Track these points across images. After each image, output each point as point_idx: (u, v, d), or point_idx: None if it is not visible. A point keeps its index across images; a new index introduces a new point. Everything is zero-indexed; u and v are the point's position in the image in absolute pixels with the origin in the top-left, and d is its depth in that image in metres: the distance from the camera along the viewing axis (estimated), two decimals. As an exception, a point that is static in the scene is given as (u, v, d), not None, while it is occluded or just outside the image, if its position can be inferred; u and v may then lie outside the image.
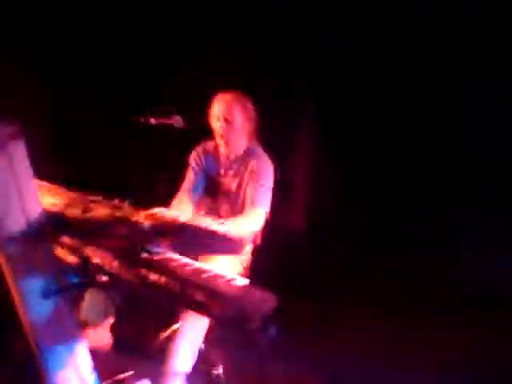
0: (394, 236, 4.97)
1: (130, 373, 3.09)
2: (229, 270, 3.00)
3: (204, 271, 2.27)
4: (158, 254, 2.12)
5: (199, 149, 3.28)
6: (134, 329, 3.51)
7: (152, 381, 2.86)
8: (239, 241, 2.37)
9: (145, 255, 2.16)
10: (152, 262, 2.13)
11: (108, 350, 3.03)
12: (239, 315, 1.80)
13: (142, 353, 3.36)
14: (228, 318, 1.82)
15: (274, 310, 2.07)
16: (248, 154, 3.15)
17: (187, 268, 2.23)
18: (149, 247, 2.16)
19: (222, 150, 3.17)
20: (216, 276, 2.21)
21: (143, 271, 2.14)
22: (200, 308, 1.93)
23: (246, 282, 2.26)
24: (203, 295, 1.91)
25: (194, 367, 2.87)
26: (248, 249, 3.21)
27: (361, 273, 4.89)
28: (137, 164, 4.64)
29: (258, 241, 3.32)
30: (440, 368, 3.52)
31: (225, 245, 2.27)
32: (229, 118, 3.04)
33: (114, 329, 3.04)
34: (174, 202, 3.16)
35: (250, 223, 2.93)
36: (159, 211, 2.72)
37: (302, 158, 5.09)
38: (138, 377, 3.02)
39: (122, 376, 3.07)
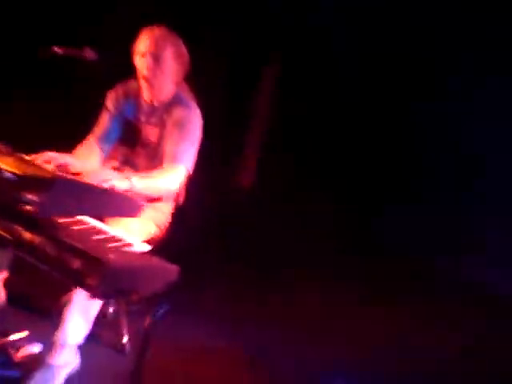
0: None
1: (24, 333, 2.75)
2: (140, 230, 2.70)
3: (97, 233, 1.94)
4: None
5: (118, 90, 2.88)
6: (34, 286, 3.14)
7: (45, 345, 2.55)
8: (136, 202, 2.04)
9: (26, 208, 1.81)
10: (32, 219, 1.78)
11: (1, 306, 2.68)
12: (112, 289, 1.51)
13: (40, 313, 3.03)
14: (101, 291, 1.52)
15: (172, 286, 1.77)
16: (175, 101, 2.77)
17: (76, 228, 1.90)
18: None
19: (145, 93, 2.79)
20: (108, 240, 1.89)
21: (18, 228, 1.79)
22: (75, 277, 1.60)
23: (144, 248, 1.96)
24: (80, 262, 1.58)
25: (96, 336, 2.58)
26: (166, 209, 2.89)
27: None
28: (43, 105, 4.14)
29: (181, 201, 2.99)
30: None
31: (118, 206, 1.94)
32: (157, 53, 2.64)
33: (8, 284, 2.69)
34: (78, 149, 2.79)
35: (166, 180, 2.58)
36: (48, 157, 2.37)
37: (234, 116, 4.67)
38: (32, 339, 2.72)
39: (13, 336, 2.73)
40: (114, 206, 1.97)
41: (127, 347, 2.95)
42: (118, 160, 2.84)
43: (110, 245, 1.81)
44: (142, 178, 2.46)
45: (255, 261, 4.29)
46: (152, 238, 2.78)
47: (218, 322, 3.45)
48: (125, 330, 2.95)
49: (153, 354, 2.09)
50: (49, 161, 2.34)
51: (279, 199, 4.73)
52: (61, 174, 1.89)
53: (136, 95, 2.83)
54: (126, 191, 2.25)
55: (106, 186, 2.12)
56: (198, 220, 3.83)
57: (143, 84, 2.73)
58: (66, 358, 2.44)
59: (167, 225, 2.91)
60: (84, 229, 1.88)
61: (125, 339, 2.94)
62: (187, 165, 2.65)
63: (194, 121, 2.72)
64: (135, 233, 2.58)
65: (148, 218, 2.75)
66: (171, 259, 1.86)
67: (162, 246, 2.88)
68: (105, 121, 2.85)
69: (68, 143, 2.77)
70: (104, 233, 1.94)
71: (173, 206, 2.94)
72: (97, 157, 2.80)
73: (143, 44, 2.66)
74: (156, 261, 1.82)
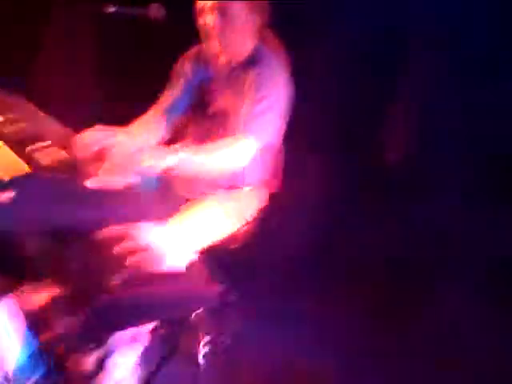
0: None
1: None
2: (212, 228, 2.13)
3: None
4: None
5: (191, 54, 2.32)
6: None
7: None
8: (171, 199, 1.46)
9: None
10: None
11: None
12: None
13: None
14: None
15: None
16: (253, 58, 2.15)
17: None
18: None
19: (218, 55, 2.19)
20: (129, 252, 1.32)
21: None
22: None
23: (184, 263, 1.38)
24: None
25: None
26: (253, 198, 2.28)
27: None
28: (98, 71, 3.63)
29: (275, 187, 2.37)
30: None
31: (132, 209, 1.37)
32: (224, 6, 2.04)
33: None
34: (138, 122, 2.27)
35: (226, 156, 1.97)
36: (90, 138, 1.86)
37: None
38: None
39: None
40: (125, 210, 1.40)
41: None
42: (190, 137, 2.28)
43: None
44: (195, 152, 1.90)
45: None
46: (232, 237, 2.20)
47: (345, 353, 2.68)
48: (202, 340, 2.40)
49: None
50: (89, 144, 1.84)
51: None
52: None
53: (210, 59, 2.25)
54: (170, 169, 1.77)
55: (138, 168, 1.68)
56: (302, 215, 3.14)
57: (212, 44, 2.13)
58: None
59: (254, 220, 2.30)
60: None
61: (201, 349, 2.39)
62: (261, 136, 2.01)
63: (275, 80, 2.07)
64: (203, 232, 2.06)
65: (225, 210, 2.18)
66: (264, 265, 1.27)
67: (248, 248, 2.31)
68: (173, 89, 2.31)
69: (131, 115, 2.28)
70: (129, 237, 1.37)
71: (263, 195, 2.33)
72: (158, 131, 2.27)
73: None
74: (185, 282, 1.22)
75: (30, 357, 1.30)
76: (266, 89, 2.04)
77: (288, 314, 2.78)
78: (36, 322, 1.52)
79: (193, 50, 2.31)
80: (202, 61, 2.26)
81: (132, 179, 1.78)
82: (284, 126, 2.17)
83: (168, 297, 1.22)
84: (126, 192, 1.56)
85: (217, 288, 1.27)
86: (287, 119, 2.16)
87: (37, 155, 1.73)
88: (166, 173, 1.79)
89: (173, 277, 1.26)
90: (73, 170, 1.57)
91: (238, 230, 2.23)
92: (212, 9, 2.05)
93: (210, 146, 2.01)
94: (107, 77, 3.37)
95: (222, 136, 2.13)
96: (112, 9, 2.08)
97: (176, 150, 1.81)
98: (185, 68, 2.29)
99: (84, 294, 1.20)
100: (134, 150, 1.74)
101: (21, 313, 1.48)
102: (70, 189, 1.31)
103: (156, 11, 2.13)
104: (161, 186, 2.11)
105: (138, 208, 1.44)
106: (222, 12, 2.04)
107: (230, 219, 2.20)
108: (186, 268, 1.34)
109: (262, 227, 2.34)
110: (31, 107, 2.30)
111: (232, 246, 2.25)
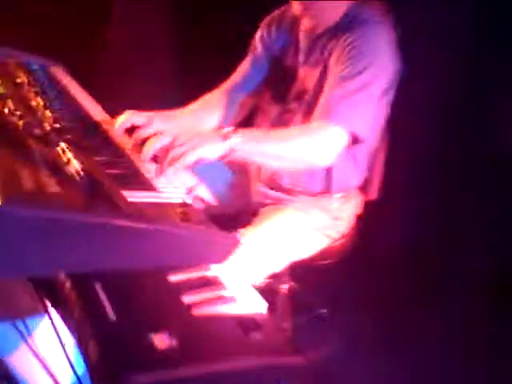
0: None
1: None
2: (296, 247, 1.68)
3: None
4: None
5: (272, 18, 1.83)
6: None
7: None
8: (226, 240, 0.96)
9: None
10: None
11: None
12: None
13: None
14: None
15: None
16: (346, 22, 1.62)
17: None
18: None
19: (303, 19, 1.70)
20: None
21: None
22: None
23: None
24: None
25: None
26: (345, 207, 1.77)
27: None
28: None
29: (373, 194, 1.86)
30: None
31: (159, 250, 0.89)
32: None
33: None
34: (198, 102, 1.83)
35: (302, 147, 1.47)
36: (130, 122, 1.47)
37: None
38: None
39: None
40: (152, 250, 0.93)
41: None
42: (266, 122, 1.79)
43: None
44: (263, 137, 1.44)
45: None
46: (322, 253, 1.75)
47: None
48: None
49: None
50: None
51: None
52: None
53: (293, 24, 1.75)
54: (223, 157, 1.33)
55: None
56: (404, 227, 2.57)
57: (296, 6, 1.64)
58: None
59: (348, 232, 1.80)
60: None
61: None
62: (350, 124, 1.49)
63: (375, 52, 1.54)
64: (284, 249, 1.64)
65: (311, 221, 1.70)
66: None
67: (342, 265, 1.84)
68: (248, 62, 1.84)
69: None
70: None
71: (358, 203, 1.83)
72: (218, 112, 1.82)
73: None
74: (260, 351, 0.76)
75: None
76: (360, 62, 1.50)
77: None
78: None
79: (277, 12, 1.82)
80: (286, 26, 1.77)
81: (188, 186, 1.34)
82: (385, 116, 1.65)
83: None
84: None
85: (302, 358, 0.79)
86: (389, 107, 1.64)
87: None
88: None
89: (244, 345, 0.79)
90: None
91: (330, 244, 1.75)
92: None
93: (282, 132, 1.52)
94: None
95: (302, 120, 1.65)
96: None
97: (233, 134, 1.34)
98: (264, 35, 1.81)
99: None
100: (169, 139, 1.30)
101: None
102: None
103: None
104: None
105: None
106: None
107: (318, 232, 1.71)
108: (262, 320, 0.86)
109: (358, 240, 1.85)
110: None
111: (323, 263, 1.80)
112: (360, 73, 1.50)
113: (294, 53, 1.72)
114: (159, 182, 1.30)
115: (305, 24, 1.70)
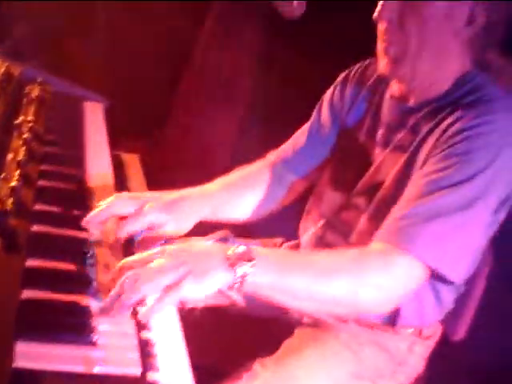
0: None
1: None
2: None
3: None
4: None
5: (345, 77, 1.37)
6: None
7: None
8: None
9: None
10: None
11: None
12: None
13: None
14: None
15: None
16: (455, 98, 1.13)
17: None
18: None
19: (393, 84, 1.23)
20: None
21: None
22: None
23: None
24: None
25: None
26: (419, 344, 1.26)
27: None
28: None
29: (460, 332, 1.33)
30: None
31: None
32: (396, 9, 1.10)
33: None
34: (227, 178, 1.35)
35: (360, 286, 0.97)
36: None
37: None
38: None
39: None
40: None
41: None
42: (322, 211, 1.31)
43: None
44: (280, 266, 0.94)
45: None
46: None
47: None
48: None
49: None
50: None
51: None
52: None
53: (376, 87, 1.28)
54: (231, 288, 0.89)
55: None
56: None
57: (384, 65, 1.17)
58: None
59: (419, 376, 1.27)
60: None
61: None
62: (435, 260, 1.00)
63: (495, 147, 1.03)
64: None
65: (357, 369, 1.19)
66: None
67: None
68: (306, 132, 1.39)
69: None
70: None
71: (430, 345, 1.30)
72: (263, 190, 1.37)
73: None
74: None
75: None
76: (469, 164, 1.02)
77: None
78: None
79: (357, 67, 1.36)
80: (365, 87, 1.31)
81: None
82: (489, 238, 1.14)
83: None
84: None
85: None
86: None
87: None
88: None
89: None
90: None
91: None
92: (379, 14, 1.11)
93: (324, 257, 1.02)
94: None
95: (367, 230, 1.15)
96: None
97: (245, 259, 0.89)
98: (334, 97, 1.36)
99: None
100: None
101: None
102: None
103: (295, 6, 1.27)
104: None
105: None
106: (393, 18, 1.09)
107: (368, 382, 1.21)
108: None
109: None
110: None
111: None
112: (466, 181, 1.01)
113: (372, 127, 1.25)
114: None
115: (393, 90, 1.23)
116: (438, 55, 1.12)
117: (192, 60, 2.52)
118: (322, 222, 1.29)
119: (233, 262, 0.88)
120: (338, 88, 1.35)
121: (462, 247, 1.03)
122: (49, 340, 0.78)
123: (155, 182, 1.78)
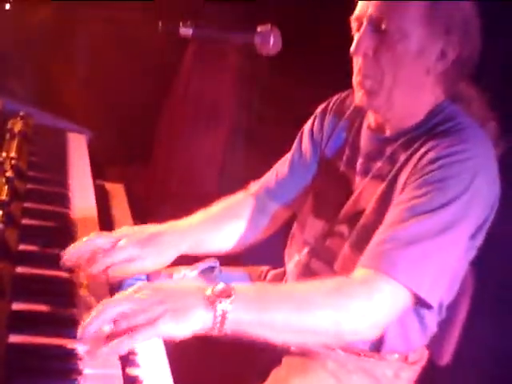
0: None
1: None
2: None
3: None
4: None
5: (325, 108, 1.39)
6: None
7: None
8: None
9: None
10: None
11: None
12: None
13: None
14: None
15: None
16: (430, 127, 1.16)
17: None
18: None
19: (369, 114, 1.26)
20: None
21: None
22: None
23: None
24: None
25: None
26: (406, 370, 1.27)
27: None
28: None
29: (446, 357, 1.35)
30: None
31: None
32: (389, 25, 1.11)
33: None
34: (216, 207, 1.37)
35: (342, 315, 0.99)
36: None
37: None
38: None
39: None
40: None
41: None
42: (306, 240, 1.32)
43: None
44: (260, 302, 0.95)
45: None
46: None
47: None
48: None
49: None
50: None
51: None
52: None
53: (354, 118, 1.30)
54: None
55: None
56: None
57: (360, 97, 1.20)
58: None
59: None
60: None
61: None
62: (416, 285, 1.02)
63: (469, 174, 1.06)
64: None
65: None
66: None
67: None
68: (288, 163, 1.41)
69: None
70: None
71: (419, 368, 1.31)
72: (246, 220, 1.38)
73: (359, 9, 1.16)
74: None
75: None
76: (444, 192, 1.05)
77: None
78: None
79: (335, 98, 1.39)
80: (344, 117, 1.33)
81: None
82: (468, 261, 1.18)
83: None
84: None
85: None
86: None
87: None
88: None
89: None
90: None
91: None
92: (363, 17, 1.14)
93: (303, 288, 1.03)
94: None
95: (350, 257, 1.16)
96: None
97: (224, 296, 0.90)
98: (314, 128, 1.38)
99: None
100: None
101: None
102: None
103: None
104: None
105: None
106: (376, 24, 1.12)
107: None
108: None
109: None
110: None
111: None
112: (441, 208, 1.04)
113: (352, 156, 1.27)
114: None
115: (370, 120, 1.25)
116: (412, 88, 1.15)
117: (175, 84, 2.53)
118: (306, 250, 1.30)
119: (212, 300, 0.89)
120: (318, 119, 1.37)
121: (439, 271, 1.05)
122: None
123: (142, 210, 1.79)
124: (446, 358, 1.35)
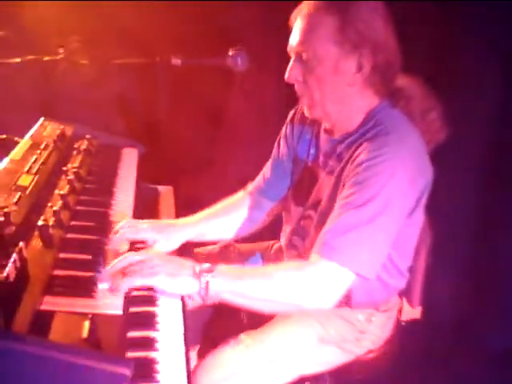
0: None
1: None
2: (318, 355, 1.53)
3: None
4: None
5: (293, 115, 1.69)
6: None
7: None
8: None
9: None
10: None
11: None
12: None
13: None
14: None
15: None
16: (364, 130, 1.42)
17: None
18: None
19: (320, 121, 1.56)
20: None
21: None
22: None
23: None
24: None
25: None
26: (378, 315, 1.57)
27: None
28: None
29: (415, 301, 1.62)
30: None
31: None
32: (303, 46, 1.39)
33: None
34: (218, 205, 1.75)
35: (286, 289, 1.30)
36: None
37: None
38: None
39: None
40: None
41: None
42: (290, 222, 1.65)
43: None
44: (234, 276, 1.28)
45: None
46: (347, 367, 1.57)
47: None
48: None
49: None
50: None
51: None
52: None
53: (314, 123, 1.60)
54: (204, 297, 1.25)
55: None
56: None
57: (305, 110, 1.50)
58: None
59: (382, 346, 1.59)
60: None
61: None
62: (354, 265, 1.30)
63: (395, 172, 1.32)
64: (294, 366, 1.51)
65: (325, 337, 1.52)
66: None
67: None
68: (271, 166, 1.74)
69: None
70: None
71: (395, 314, 1.63)
72: (247, 213, 1.74)
73: (292, 35, 1.44)
74: None
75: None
76: (369, 188, 1.30)
77: None
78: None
79: (299, 108, 1.66)
80: (308, 122, 1.62)
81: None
82: (416, 233, 1.48)
83: None
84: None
85: None
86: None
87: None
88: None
89: None
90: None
91: (356, 358, 1.55)
92: (290, 51, 1.43)
93: (269, 268, 1.34)
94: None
95: (315, 236, 1.41)
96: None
97: (207, 272, 1.25)
98: (287, 132, 1.69)
99: None
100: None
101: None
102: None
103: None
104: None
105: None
106: (299, 55, 1.40)
107: (335, 347, 1.53)
108: None
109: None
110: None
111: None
112: (366, 203, 1.29)
113: (316, 154, 1.58)
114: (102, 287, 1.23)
115: (324, 126, 1.55)
116: (340, 99, 1.41)
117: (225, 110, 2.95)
118: (288, 229, 1.63)
119: (198, 274, 1.24)
120: (288, 126, 1.68)
121: (372, 252, 1.31)
122: None
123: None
124: (415, 302, 1.60)
